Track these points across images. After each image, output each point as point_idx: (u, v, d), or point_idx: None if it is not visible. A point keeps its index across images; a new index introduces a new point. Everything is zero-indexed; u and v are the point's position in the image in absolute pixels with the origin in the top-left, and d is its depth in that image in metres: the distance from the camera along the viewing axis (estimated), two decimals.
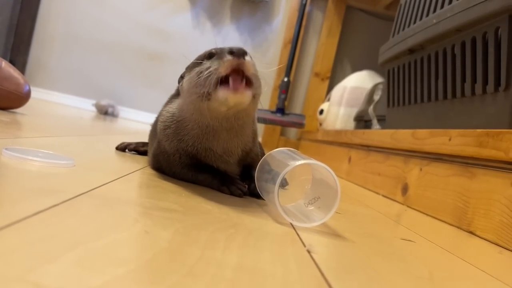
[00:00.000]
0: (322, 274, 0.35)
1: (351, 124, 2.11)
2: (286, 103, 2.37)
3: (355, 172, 1.48)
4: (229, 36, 2.61)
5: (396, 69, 1.45)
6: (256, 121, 0.71)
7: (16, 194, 0.41)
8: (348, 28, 2.63)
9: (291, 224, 0.52)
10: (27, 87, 1.26)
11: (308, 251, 0.41)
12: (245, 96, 0.59)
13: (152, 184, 0.61)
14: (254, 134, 0.71)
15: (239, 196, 0.63)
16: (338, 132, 1.82)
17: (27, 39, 2.38)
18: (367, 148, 1.44)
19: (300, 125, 2.37)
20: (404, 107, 1.38)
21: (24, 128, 1.06)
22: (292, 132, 2.71)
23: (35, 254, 0.27)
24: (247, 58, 0.58)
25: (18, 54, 2.34)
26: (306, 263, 0.38)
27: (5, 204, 0.37)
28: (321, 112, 2.32)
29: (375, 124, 1.79)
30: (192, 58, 0.66)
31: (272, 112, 2.38)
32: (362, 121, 1.94)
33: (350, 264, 0.42)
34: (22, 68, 2.38)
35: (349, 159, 1.59)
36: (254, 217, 0.54)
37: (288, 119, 2.37)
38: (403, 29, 1.40)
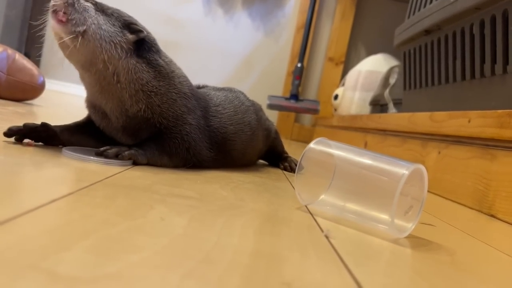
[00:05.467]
0: (341, 260, 0.34)
1: (366, 109, 2.08)
2: (300, 89, 2.34)
3: None
4: (241, 22, 2.59)
5: (412, 51, 1.42)
6: (144, 80, 0.63)
7: (33, 183, 0.41)
8: (362, 11, 2.58)
9: (307, 209, 0.51)
10: (42, 78, 1.27)
11: (326, 237, 0.41)
12: (55, 28, 0.59)
13: (168, 171, 0.61)
14: (140, 96, 0.63)
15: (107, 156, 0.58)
16: (354, 117, 1.80)
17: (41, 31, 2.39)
18: (384, 132, 1.41)
19: (314, 111, 2.35)
20: (421, 89, 1.35)
21: (39, 119, 1.07)
22: (307, 118, 2.69)
23: (50, 242, 0.26)
24: None
25: (33, 46, 2.35)
26: (324, 248, 0.37)
27: (21, 192, 0.37)
28: (336, 97, 2.30)
29: (391, 108, 1.76)
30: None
31: (286, 98, 2.36)
32: (378, 105, 1.91)
33: (369, 249, 0.41)
34: (37, 60, 2.39)
35: (365, 144, 1.57)
36: (270, 203, 0.53)
37: (303, 105, 2.34)
38: (419, 9, 1.36)
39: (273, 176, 0.77)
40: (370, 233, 0.46)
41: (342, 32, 2.53)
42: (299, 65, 2.35)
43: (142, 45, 0.64)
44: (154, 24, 2.54)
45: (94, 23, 0.60)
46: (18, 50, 2.31)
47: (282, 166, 0.90)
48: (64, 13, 0.59)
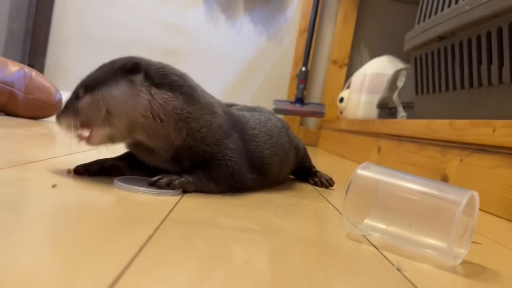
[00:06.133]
0: None
1: (373, 112, 2.09)
2: (304, 92, 2.36)
3: (387, 163, 1.47)
4: (243, 28, 2.59)
5: (424, 56, 1.43)
6: (175, 118, 0.61)
7: (109, 225, 0.42)
8: (364, 13, 2.59)
9: (365, 238, 0.52)
10: (59, 95, 1.27)
11: (398, 269, 0.41)
12: (91, 143, 0.59)
13: (214, 199, 0.61)
14: (177, 130, 0.62)
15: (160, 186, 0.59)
16: (365, 122, 1.81)
17: (44, 42, 2.38)
18: (398, 138, 1.43)
19: (320, 114, 2.36)
20: (434, 94, 1.36)
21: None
22: (312, 121, 2.70)
23: None
24: (61, 119, 0.59)
25: (36, 57, 2.34)
26: (405, 284, 0.38)
27: (108, 239, 0.38)
28: (341, 100, 2.31)
29: (401, 111, 1.78)
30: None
31: (291, 102, 2.37)
32: (386, 108, 1.92)
33: (444, 278, 0.42)
34: (40, 71, 2.39)
35: (379, 149, 1.58)
36: (328, 234, 0.54)
37: (308, 109, 2.36)
38: (430, 16, 1.37)
39: (309, 195, 0.78)
40: (425, 261, 0.46)
41: (344, 35, 2.54)
42: (303, 68, 2.36)
43: (151, 76, 0.60)
44: (157, 31, 2.55)
45: (105, 96, 0.58)
46: (22, 61, 2.30)
47: (312, 182, 0.91)
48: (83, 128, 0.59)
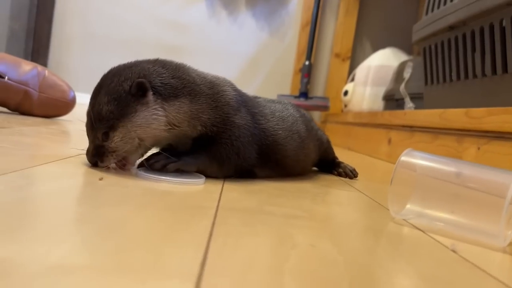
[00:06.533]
0: (489, 274, 0.36)
1: (379, 104, 2.10)
2: (308, 86, 2.36)
3: (399, 153, 1.48)
4: (245, 23, 2.59)
5: (433, 47, 1.44)
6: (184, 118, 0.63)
7: (168, 215, 0.42)
8: (366, 6, 2.60)
9: (409, 223, 0.53)
10: (72, 93, 1.26)
11: (454, 251, 0.42)
12: (129, 167, 0.62)
13: (250, 189, 0.62)
14: (193, 123, 0.64)
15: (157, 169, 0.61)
16: (373, 114, 1.81)
17: (46, 42, 2.37)
18: (410, 128, 1.43)
19: (325, 108, 2.37)
20: (444, 84, 1.37)
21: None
22: (316, 115, 2.71)
23: (258, 284, 0.27)
24: (100, 164, 0.60)
25: (38, 57, 2.33)
26: (464, 264, 0.38)
27: (180, 226, 0.38)
28: (346, 93, 2.31)
29: (408, 102, 1.79)
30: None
31: (296, 97, 2.37)
32: (393, 100, 1.93)
33: (497, 258, 0.43)
34: None
35: (389, 141, 1.58)
36: (373, 219, 0.55)
37: (312, 102, 2.36)
38: (439, 6, 1.38)
39: (338, 185, 0.79)
40: (472, 243, 0.47)
41: (347, 28, 2.55)
42: (307, 62, 2.37)
43: (157, 90, 0.61)
44: (159, 28, 2.54)
45: (134, 127, 0.59)
46: None
47: (336, 172, 0.92)
48: (122, 163, 0.61)
